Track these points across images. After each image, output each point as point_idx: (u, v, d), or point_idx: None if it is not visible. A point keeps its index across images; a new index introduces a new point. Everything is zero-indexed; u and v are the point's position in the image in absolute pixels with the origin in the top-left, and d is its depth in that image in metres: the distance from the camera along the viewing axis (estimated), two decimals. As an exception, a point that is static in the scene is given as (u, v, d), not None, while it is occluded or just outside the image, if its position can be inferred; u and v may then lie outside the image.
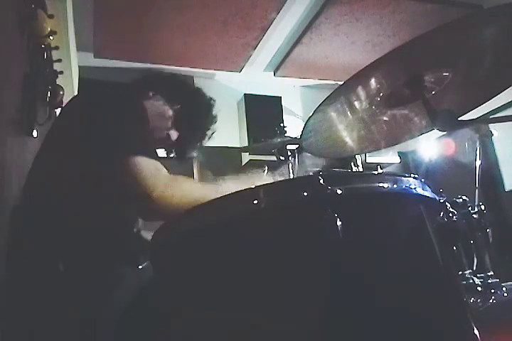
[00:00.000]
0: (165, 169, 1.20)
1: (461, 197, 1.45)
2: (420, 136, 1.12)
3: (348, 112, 1.03)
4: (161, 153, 1.67)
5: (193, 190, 1.23)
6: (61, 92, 2.20)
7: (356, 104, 1.00)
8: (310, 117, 1.00)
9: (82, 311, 1.10)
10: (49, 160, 1.32)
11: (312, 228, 0.75)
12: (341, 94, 0.96)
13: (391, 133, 1.14)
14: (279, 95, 4.40)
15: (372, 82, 0.93)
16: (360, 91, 0.96)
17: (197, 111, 1.61)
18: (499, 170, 3.92)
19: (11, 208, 1.39)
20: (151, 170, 1.15)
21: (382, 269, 0.77)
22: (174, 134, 1.56)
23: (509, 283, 1.37)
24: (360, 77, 0.90)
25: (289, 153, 2.52)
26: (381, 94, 0.98)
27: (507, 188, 3.87)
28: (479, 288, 1.31)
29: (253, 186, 0.80)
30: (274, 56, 4.15)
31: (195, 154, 1.70)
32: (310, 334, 0.71)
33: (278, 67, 4.27)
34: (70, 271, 1.14)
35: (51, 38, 1.94)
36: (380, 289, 0.74)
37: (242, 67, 4.18)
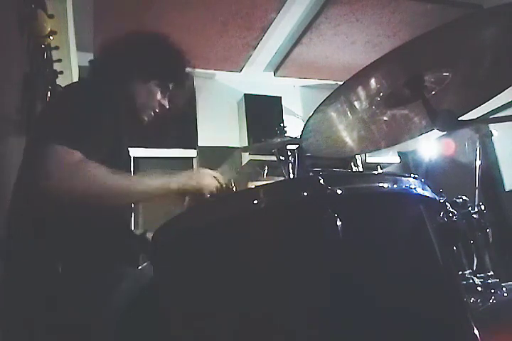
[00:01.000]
0: (75, 159, 1.11)
1: (461, 197, 1.45)
2: (420, 136, 1.12)
3: (348, 112, 1.03)
4: (161, 152, 1.66)
5: (99, 178, 1.13)
6: (61, 92, 2.20)
7: (356, 104, 1.00)
8: (310, 117, 1.00)
9: (82, 311, 1.10)
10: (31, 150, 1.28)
11: (312, 228, 0.75)
12: (341, 94, 0.96)
13: (391, 133, 1.14)
14: (279, 95, 4.40)
15: (372, 82, 0.93)
16: (360, 92, 0.96)
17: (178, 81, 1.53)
18: (499, 170, 3.92)
19: (9, 208, 1.39)
20: (56, 159, 1.09)
21: (382, 269, 0.77)
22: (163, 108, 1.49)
23: (509, 283, 1.37)
24: (360, 77, 0.90)
25: (289, 153, 2.52)
26: (381, 94, 0.98)
27: (507, 188, 3.87)
28: (479, 288, 1.31)
29: (253, 186, 0.80)
30: (274, 56, 4.15)
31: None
32: (310, 334, 0.71)
33: (278, 67, 4.27)
34: (70, 271, 1.13)
35: (51, 38, 1.94)
36: (380, 289, 0.74)
37: (242, 67, 4.18)
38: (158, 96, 1.46)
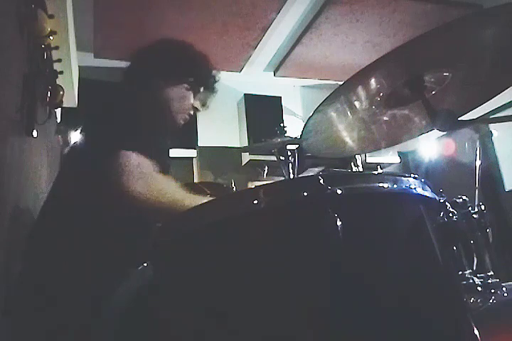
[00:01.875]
0: (149, 166, 1.18)
1: (461, 197, 1.45)
2: (420, 136, 1.12)
3: (348, 112, 1.03)
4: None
5: (169, 192, 1.21)
6: (61, 92, 2.20)
7: (356, 104, 1.00)
8: (310, 117, 1.00)
9: (83, 311, 1.10)
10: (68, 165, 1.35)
11: (312, 228, 0.75)
12: (341, 94, 0.96)
13: (391, 133, 1.14)
14: (279, 95, 4.41)
15: (372, 82, 0.93)
16: (360, 92, 0.96)
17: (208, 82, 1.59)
18: (499, 170, 3.92)
19: (11, 208, 1.39)
20: (133, 166, 1.15)
21: (382, 269, 0.77)
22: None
23: (509, 283, 1.37)
24: (360, 77, 0.90)
25: (289, 153, 2.52)
26: (381, 94, 0.98)
27: (507, 188, 3.87)
28: (479, 288, 1.31)
29: (253, 186, 0.80)
30: (274, 56, 4.15)
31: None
32: (310, 334, 0.71)
33: (278, 67, 4.27)
34: (70, 271, 1.14)
35: (51, 38, 1.94)
36: (380, 289, 0.74)
37: (242, 67, 4.18)
38: (191, 99, 1.52)
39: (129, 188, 1.13)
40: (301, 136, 1.07)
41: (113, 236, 1.20)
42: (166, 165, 1.35)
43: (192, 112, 1.53)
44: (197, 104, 1.54)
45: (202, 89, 1.55)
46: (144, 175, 1.16)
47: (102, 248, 1.17)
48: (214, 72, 1.60)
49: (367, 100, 0.99)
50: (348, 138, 1.13)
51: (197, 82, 1.53)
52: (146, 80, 1.45)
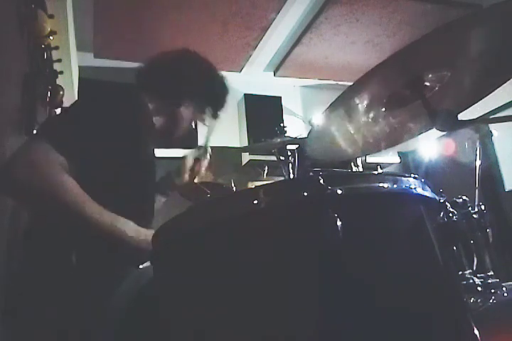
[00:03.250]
0: (53, 164, 1.12)
1: (461, 197, 1.45)
2: (420, 136, 1.12)
3: (351, 117, 1.03)
4: (161, 152, 1.67)
5: (63, 188, 1.12)
6: (61, 92, 2.20)
7: (358, 108, 1.00)
8: (313, 127, 1.00)
9: (83, 311, 1.10)
10: None
11: (312, 228, 0.75)
12: (345, 99, 0.96)
13: (392, 134, 1.14)
14: (279, 95, 4.40)
15: (374, 85, 0.93)
16: (363, 96, 0.96)
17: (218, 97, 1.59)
18: (499, 170, 3.92)
19: (11, 208, 1.39)
20: (36, 154, 1.12)
21: (382, 269, 0.77)
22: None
23: (509, 283, 1.37)
24: (362, 82, 0.90)
25: (289, 153, 2.52)
26: (382, 97, 0.98)
27: (507, 188, 3.87)
28: (479, 288, 1.31)
29: (253, 186, 0.80)
30: (274, 56, 4.16)
31: None
32: (310, 334, 0.71)
33: (278, 67, 4.28)
34: (70, 271, 1.14)
35: (51, 38, 1.95)
36: (380, 289, 0.74)
37: (242, 67, 4.19)
38: (194, 117, 1.54)
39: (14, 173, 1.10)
40: (306, 140, 1.08)
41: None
42: (142, 175, 1.32)
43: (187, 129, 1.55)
44: (200, 121, 1.55)
45: (210, 110, 1.56)
46: (41, 164, 1.11)
47: (101, 247, 1.17)
48: (227, 94, 1.60)
49: (369, 103, 0.99)
50: (351, 141, 1.13)
51: (210, 107, 1.55)
52: (150, 88, 1.44)
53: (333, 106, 0.96)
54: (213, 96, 1.54)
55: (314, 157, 1.22)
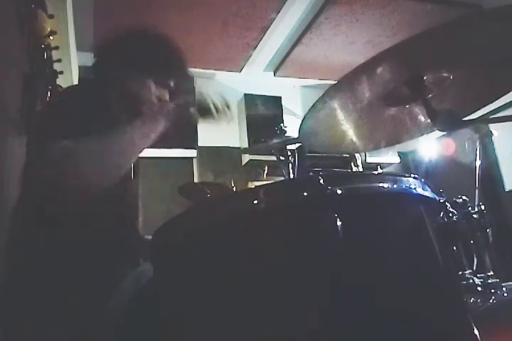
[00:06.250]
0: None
1: (461, 197, 1.45)
2: (420, 136, 1.12)
3: (348, 109, 1.03)
4: (161, 152, 1.65)
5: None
6: (61, 92, 2.20)
7: (355, 101, 1.00)
8: (307, 114, 0.99)
9: (82, 311, 1.10)
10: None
11: (312, 228, 0.75)
12: (339, 90, 0.95)
13: (391, 133, 1.14)
14: (279, 95, 4.41)
15: (372, 79, 0.92)
16: (359, 89, 0.95)
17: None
18: (499, 170, 3.92)
19: (11, 208, 1.39)
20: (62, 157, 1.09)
21: (382, 269, 0.77)
22: None
23: (509, 283, 1.37)
24: (358, 73, 0.89)
25: (289, 153, 2.52)
26: (380, 93, 0.98)
27: (507, 188, 3.87)
28: (479, 288, 1.31)
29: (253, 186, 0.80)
30: (274, 56, 4.16)
31: None
32: (310, 334, 0.71)
33: (278, 67, 4.28)
34: (70, 271, 1.14)
35: (51, 38, 1.95)
36: (380, 289, 0.74)
37: (242, 67, 4.19)
38: (153, 88, 1.41)
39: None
40: (299, 133, 1.06)
41: (103, 235, 1.19)
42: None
43: (158, 103, 1.41)
44: (162, 95, 1.41)
45: (170, 83, 1.44)
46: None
47: (101, 247, 1.17)
48: (184, 66, 1.48)
49: (366, 98, 0.99)
50: (348, 135, 1.13)
51: (161, 73, 1.42)
52: (107, 71, 1.38)
53: (327, 97, 0.95)
54: (153, 61, 1.46)
55: (312, 151, 1.21)
